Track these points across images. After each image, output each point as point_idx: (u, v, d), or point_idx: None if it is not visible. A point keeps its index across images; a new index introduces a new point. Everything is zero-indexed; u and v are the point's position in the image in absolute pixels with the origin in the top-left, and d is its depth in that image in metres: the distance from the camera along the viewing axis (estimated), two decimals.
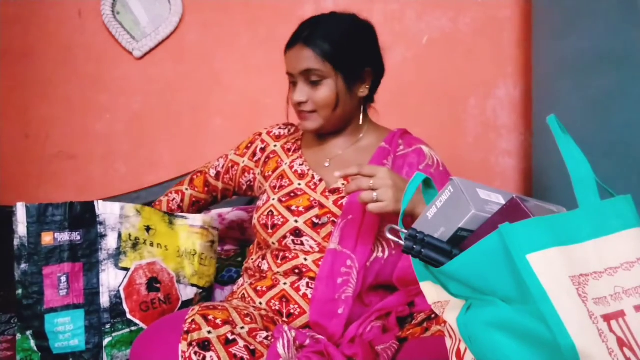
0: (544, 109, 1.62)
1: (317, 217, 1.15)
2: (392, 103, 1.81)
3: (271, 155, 1.30)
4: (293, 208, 1.17)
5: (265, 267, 1.18)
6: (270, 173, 1.27)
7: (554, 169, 1.51)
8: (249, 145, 1.34)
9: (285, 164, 1.26)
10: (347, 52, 1.16)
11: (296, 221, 1.15)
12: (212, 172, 1.36)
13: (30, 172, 1.85)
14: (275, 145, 1.31)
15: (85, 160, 1.85)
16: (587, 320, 0.56)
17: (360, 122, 1.24)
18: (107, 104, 1.85)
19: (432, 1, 1.81)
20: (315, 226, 1.14)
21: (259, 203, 1.24)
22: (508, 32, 1.80)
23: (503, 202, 0.71)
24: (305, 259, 1.13)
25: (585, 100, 1.37)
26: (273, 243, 1.17)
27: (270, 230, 1.16)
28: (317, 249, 1.14)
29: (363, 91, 1.20)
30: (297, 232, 1.15)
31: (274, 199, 1.20)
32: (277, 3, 1.83)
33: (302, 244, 1.14)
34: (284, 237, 1.15)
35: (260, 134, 1.34)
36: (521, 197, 0.68)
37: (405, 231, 0.69)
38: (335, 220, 1.14)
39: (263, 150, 1.31)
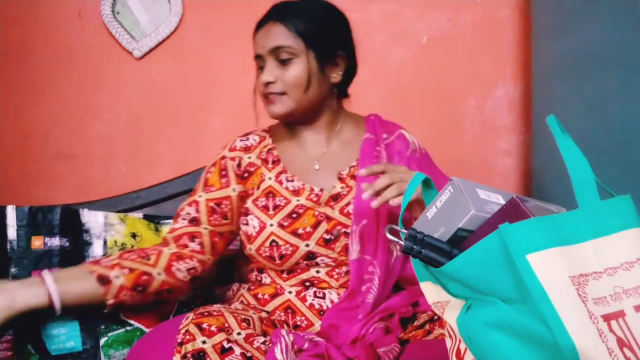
0: (543, 108, 1.62)
1: (327, 232, 1.08)
2: (391, 103, 1.82)
3: (250, 169, 1.15)
4: (300, 231, 1.07)
5: (267, 280, 1.12)
6: (254, 190, 1.14)
7: (554, 169, 1.51)
8: (223, 172, 1.15)
9: (270, 178, 1.13)
10: (320, 29, 1.10)
11: (307, 245, 1.07)
12: (183, 229, 1.10)
13: (30, 172, 1.85)
14: (249, 157, 1.17)
15: (85, 160, 1.85)
16: (587, 320, 0.56)
17: (334, 112, 1.18)
18: (107, 104, 1.85)
19: (431, 1, 1.81)
20: (328, 243, 1.08)
21: (249, 230, 1.10)
22: (507, 32, 1.80)
23: (503, 202, 0.71)
24: (318, 272, 1.09)
25: (585, 100, 1.37)
26: (282, 270, 1.10)
27: (278, 261, 1.08)
28: (333, 265, 1.09)
29: (335, 77, 1.13)
30: (310, 256, 1.08)
31: (272, 225, 1.08)
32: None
33: (316, 264, 1.09)
34: (297, 263, 1.08)
35: (223, 157, 1.17)
36: (521, 197, 0.68)
37: (405, 231, 0.69)
38: (347, 230, 1.08)
39: (239, 165, 1.15)
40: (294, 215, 1.09)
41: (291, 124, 1.19)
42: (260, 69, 1.12)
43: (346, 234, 1.08)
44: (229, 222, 1.13)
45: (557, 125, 0.68)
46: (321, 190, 1.12)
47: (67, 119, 1.85)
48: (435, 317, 1.01)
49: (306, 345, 0.95)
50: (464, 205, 0.68)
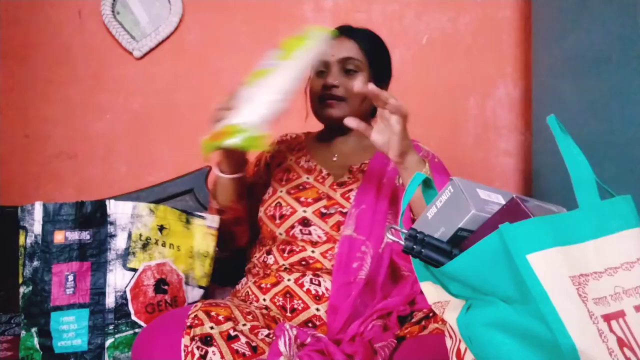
0: (543, 108, 1.62)
1: (325, 207, 1.18)
2: None
3: (276, 155, 1.35)
4: (302, 199, 1.20)
5: (271, 261, 1.20)
6: (275, 168, 1.31)
7: (554, 169, 1.51)
8: (257, 162, 1.37)
9: (291, 159, 1.31)
10: (379, 52, 1.28)
11: (304, 211, 1.18)
12: None
13: (30, 172, 1.85)
14: (278, 148, 1.36)
15: (85, 160, 1.85)
16: (588, 320, 0.56)
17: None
18: (107, 104, 1.85)
19: (432, 1, 1.81)
20: (323, 216, 1.17)
21: (265, 196, 1.27)
22: (507, 32, 1.80)
23: (503, 202, 0.71)
24: (313, 251, 1.15)
25: (585, 100, 1.37)
26: (280, 234, 1.19)
27: (278, 221, 1.19)
28: (324, 239, 1.16)
29: None
30: (305, 222, 1.17)
31: (281, 191, 1.23)
32: (277, 3, 1.83)
33: (309, 233, 1.17)
34: (292, 227, 1.18)
35: (262, 152, 1.38)
36: (521, 197, 0.68)
37: (406, 231, 0.69)
38: (343, 210, 1.17)
39: (273, 156, 1.35)
40: (301, 188, 1.23)
41: (328, 133, 1.32)
42: (318, 73, 1.25)
43: (341, 213, 1.17)
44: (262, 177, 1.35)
45: (558, 125, 0.68)
46: (328, 174, 1.25)
47: (67, 119, 1.85)
48: (431, 314, 1.04)
49: (309, 339, 0.99)
50: (464, 205, 0.68)
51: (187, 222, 1.26)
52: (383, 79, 1.28)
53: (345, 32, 1.25)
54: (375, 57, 1.25)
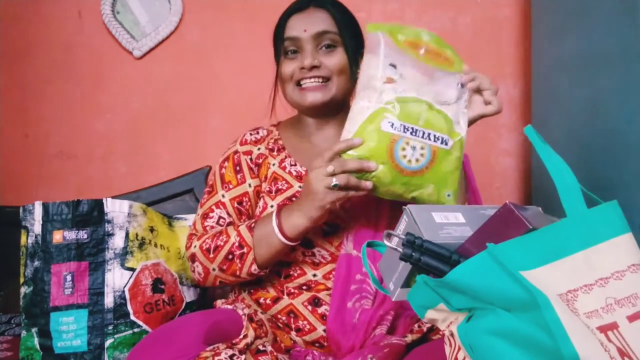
0: (543, 108, 1.62)
1: (327, 224, 1.02)
2: None
3: (259, 160, 1.14)
4: None
5: (267, 283, 1.08)
6: (263, 180, 1.13)
7: None
8: (237, 168, 1.14)
9: (274, 164, 1.12)
10: (353, 23, 1.11)
11: None
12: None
13: (30, 172, 1.85)
14: (259, 149, 1.15)
15: (85, 160, 1.85)
16: (587, 331, 0.55)
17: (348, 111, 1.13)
18: (107, 104, 1.85)
19: (432, 1, 1.81)
20: (326, 235, 1.04)
21: (257, 212, 1.10)
22: (507, 31, 1.80)
23: (463, 220, 0.72)
24: (315, 275, 1.04)
25: (585, 100, 1.37)
26: (279, 273, 1.07)
27: None
28: (329, 259, 1.04)
29: (357, 74, 1.09)
30: (308, 244, 1.03)
31: (272, 206, 1.06)
32: (277, 3, 1.82)
33: (312, 254, 1.04)
34: (293, 248, 1.02)
35: (236, 152, 1.16)
36: (515, 204, 0.67)
37: (403, 236, 0.68)
38: (343, 225, 1.05)
39: (251, 159, 1.15)
40: (294, 199, 1.05)
41: (304, 120, 1.16)
42: (288, 53, 1.09)
43: (344, 228, 1.04)
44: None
45: (537, 136, 0.67)
46: None
47: (67, 119, 1.85)
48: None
49: None
50: (418, 233, 0.69)
51: (170, 225, 1.26)
52: (358, 50, 1.08)
53: (314, 1, 1.08)
54: (349, 26, 1.08)
